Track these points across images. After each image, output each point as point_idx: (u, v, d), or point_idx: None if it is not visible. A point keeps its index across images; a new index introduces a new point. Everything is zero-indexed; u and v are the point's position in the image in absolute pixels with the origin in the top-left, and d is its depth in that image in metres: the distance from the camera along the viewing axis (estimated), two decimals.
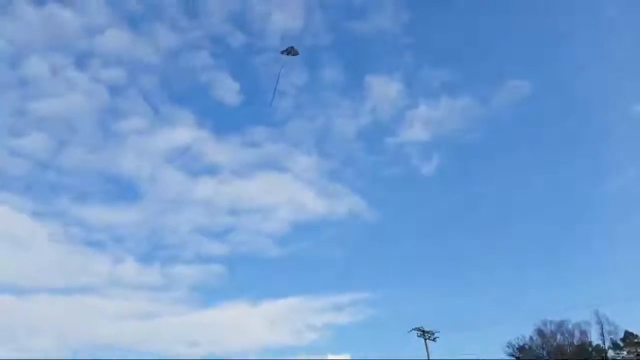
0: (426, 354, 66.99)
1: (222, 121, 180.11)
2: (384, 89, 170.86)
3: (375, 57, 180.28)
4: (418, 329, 67.86)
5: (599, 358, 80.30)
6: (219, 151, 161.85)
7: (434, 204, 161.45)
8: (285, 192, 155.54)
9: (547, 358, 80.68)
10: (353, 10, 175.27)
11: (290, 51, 46.44)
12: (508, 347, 79.37)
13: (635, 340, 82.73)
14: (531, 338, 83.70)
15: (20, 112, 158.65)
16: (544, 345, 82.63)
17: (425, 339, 67.44)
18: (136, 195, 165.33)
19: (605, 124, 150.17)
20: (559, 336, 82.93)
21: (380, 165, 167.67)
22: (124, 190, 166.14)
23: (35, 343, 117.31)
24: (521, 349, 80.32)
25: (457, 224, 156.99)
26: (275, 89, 47.30)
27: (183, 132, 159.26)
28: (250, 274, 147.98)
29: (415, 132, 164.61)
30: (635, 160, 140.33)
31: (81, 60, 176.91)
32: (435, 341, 67.27)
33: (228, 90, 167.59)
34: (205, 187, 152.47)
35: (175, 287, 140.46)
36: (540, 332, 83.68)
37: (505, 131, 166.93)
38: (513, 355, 77.73)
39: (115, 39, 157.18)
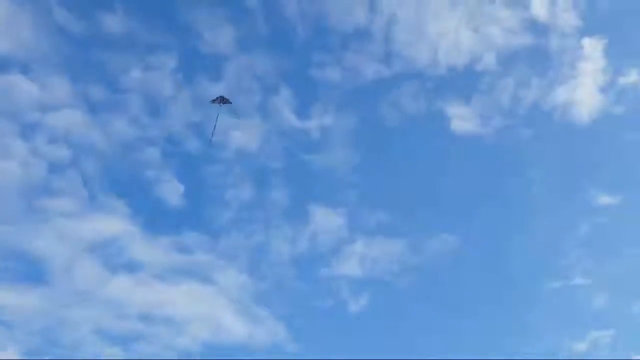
0: None
1: (157, 219, 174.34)
2: (326, 220, 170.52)
3: (322, 190, 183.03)
4: None
5: None
6: (146, 249, 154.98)
7: (359, 341, 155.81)
8: (206, 307, 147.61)
9: None
10: (309, 143, 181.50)
11: (221, 100, 43.11)
12: None
13: None
14: None
15: None
16: None
17: None
18: (43, 280, 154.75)
19: (525, 296, 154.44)
20: None
21: (309, 295, 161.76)
22: (31, 272, 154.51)
23: None
24: None
25: None
26: (214, 128, 45.30)
27: (113, 223, 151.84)
28: None
29: (350, 267, 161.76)
30: (550, 329, 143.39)
31: (27, 131, 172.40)
32: None
33: (172, 191, 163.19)
34: (120, 286, 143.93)
35: None
36: None
37: (433, 280, 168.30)
38: None
39: (69, 118, 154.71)
